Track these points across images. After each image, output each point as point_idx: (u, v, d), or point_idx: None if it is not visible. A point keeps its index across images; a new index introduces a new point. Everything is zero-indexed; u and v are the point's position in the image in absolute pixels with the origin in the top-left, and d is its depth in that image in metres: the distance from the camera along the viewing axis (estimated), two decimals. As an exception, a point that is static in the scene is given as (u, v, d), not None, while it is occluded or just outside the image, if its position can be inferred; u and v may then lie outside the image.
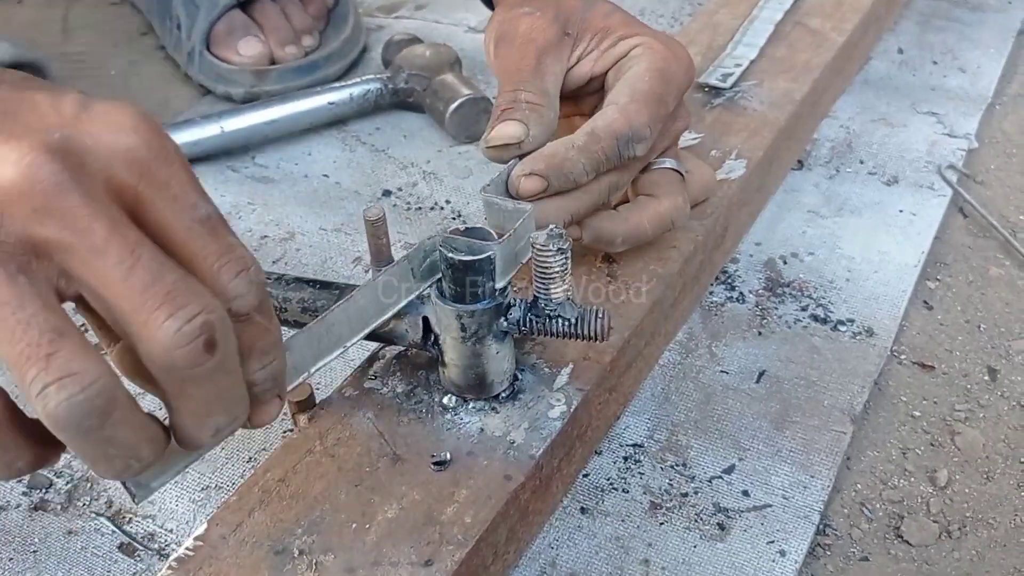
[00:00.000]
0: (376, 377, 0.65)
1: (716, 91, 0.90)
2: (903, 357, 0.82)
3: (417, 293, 0.58)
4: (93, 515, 0.72)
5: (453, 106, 1.02)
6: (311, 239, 0.93)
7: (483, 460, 0.59)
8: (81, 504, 0.72)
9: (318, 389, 0.79)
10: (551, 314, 0.58)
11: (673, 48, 0.72)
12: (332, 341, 0.55)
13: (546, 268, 0.56)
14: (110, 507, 0.72)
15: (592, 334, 0.59)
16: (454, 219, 0.96)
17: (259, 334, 0.44)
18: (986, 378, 0.80)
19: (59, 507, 0.72)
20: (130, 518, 0.72)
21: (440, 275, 0.58)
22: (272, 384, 0.46)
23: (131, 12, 1.30)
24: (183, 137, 1.00)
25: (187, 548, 0.55)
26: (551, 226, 0.56)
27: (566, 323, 0.58)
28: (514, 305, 0.59)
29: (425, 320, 0.60)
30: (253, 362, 0.45)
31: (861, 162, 1.00)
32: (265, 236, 0.93)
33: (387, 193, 0.99)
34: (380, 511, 0.57)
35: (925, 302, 0.87)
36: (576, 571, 0.67)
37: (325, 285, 0.64)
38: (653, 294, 0.71)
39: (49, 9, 1.32)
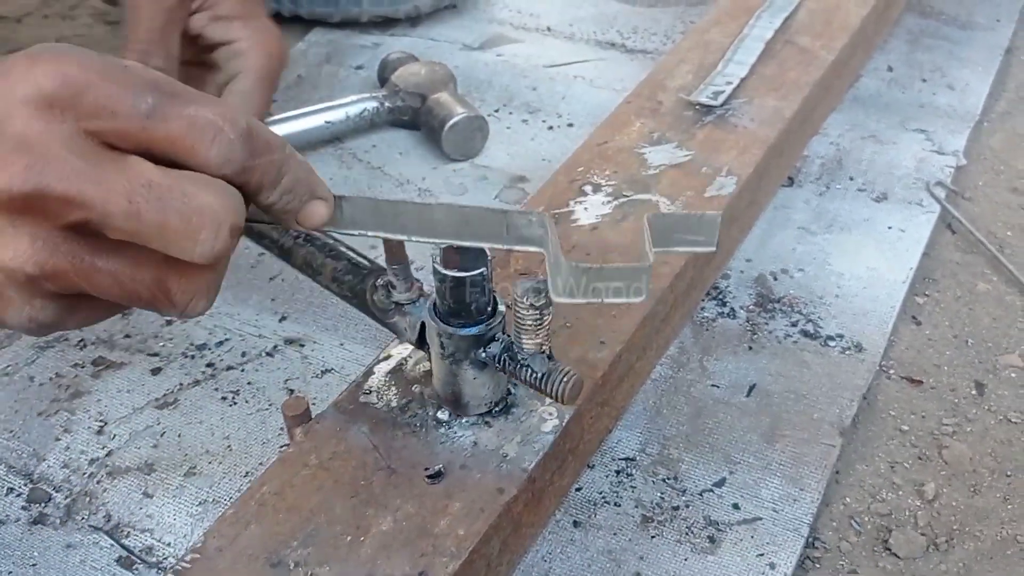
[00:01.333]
0: (371, 392, 0.66)
1: (707, 109, 0.91)
2: (892, 372, 0.83)
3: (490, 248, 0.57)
4: (91, 529, 0.73)
5: (448, 124, 1.03)
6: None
7: (476, 473, 0.60)
8: (80, 518, 0.73)
9: (314, 404, 0.80)
10: (522, 362, 0.58)
11: (275, 46, 0.80)
12: (396, 225, 0.55)
13: (520, 320, 0.56)
14: (108, 521, 0.73)
15: (554, 394, 0.57)
16: (449, 236, 0.97)
17: (263, 174, 0.47)
18: (973, 392, 0.81)
19: (58, 521, 0.73)
20: (128, 532, 0.72)
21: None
22: (293, 198, 0.50)
23: (130, 31, 1.31)
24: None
25: (183, 561, 0.56)
26: (538, 279, 0.56)
27: (533, 375, 0.58)
28: (496, 339, 0.60)
29: (422, 324, 0.61)
30: (265, 194, 0.48)
31: (851, 179, 1.02)
32: (262, 253, 0.94)
33: (383, 210, 1.00)
34: (374, 524, 0.57)
35: (914, 317, 0.88)
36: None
37: (361, 265, 0.64)
38: (644, 309, 0.72)
39: (46, 28, 1.33)
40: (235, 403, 0.81)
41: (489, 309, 0.59)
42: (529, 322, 0.56)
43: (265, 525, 0.58)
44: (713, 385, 0.80)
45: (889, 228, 0.95)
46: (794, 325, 0.85)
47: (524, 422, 0.63)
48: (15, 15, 1.35)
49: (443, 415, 0.63)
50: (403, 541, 0.56)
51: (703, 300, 0.87)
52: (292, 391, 0.82)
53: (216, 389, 0.82)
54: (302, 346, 0.86)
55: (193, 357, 0.85)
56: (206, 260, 0.45)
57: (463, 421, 0.63)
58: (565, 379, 0.57)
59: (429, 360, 0.63)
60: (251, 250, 0.95)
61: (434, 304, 0.60)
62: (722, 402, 0.78)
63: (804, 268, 0.91)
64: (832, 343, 0.83)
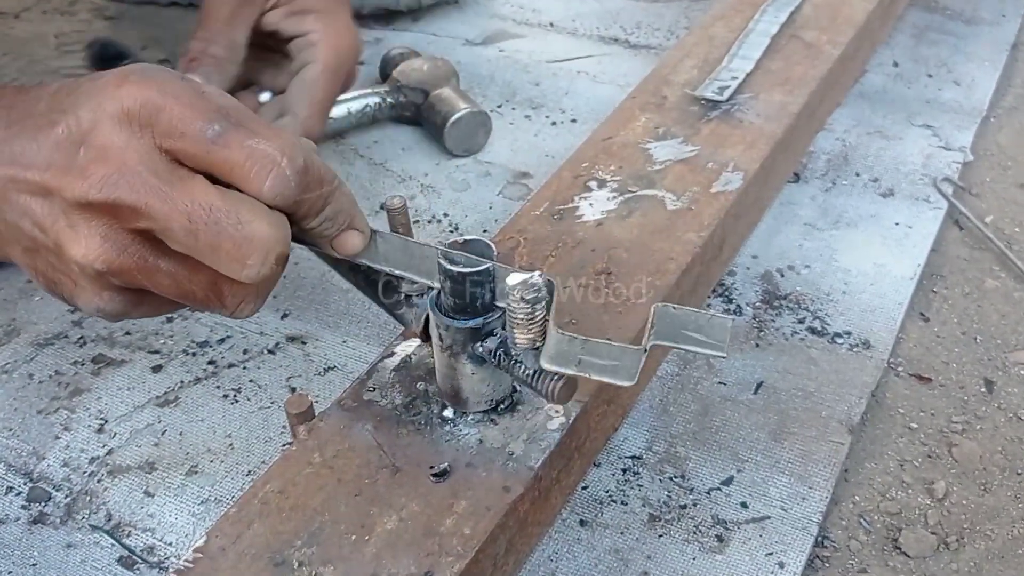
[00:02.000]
0: (375, 389, 0.65)
1: (712, 104, 0.90)
2: (900, 369, 0.82)
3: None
4: (92, 528, 0.72)
5: (451, 120, 1.02)
6: (309, 253, 0.93)
7: (482, 471, 0.59)
8: (80, 517, 0.72)
9: (317, 402, 0.79)
10: (516, 358, 0.58)
11: (346, 40, 0.84)
12: (422, 269, 0.59)
13: (512, 313, 0.56)
14: (109, 520, 0.72)
15: (545, 392, 0.56)
16: (451, 231, 0.96)
17: (311, 205, 0.53)
18: (983, 390, 0.80)
19: (58, 520, 0.72)
20: (129, 531, 0.71)
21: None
22: (332, 226, 0.56)
23: (128, 25, 1.30)
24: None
25: (186, 560, 0.55)
26: (534, 273, 0.55)
27: (526, 372, 0.57)
28: (494, 334, 0.59)
29: (427, 318, 0.60)
30: (307, 221, 0.54)
31: (857, 175, 1.01)
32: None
33: (385, 206, 0.99)
34: (379, 522, 0.57)
35: (922, 314, 0.87)
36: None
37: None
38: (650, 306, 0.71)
39: (45, 24, 1.32)
40: (237, 401, 0.80)
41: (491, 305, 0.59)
42: (520, 316, 0.55)
43: (268, 524, 0.57)
44: (720, 383, 0.79)
45: (896, 224, 0.94)
46: (801, 322, 0.84)
47: (530, 420, 0.62)
48: (13, 10, 1.35)
49: (448, 413, 0.62)
50: (408, 540, 0.56)
51: (709, 297, 0.87)
52: (295, 389, 0.81)
53: (218, 387, 0.81)
54: (304, 343, 0.85)
55: (194, 354, 0.84)
56: (252, 282, 0.51)
57: (468, 419, 0.62)
58: (556, 378, 0.56)
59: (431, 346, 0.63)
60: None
61: (438, 296, 0.59)
62: (729, 400, 0.78)
63: (811, 264, 0.90)
64: (840, 340, 0.83)
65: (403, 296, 0.62)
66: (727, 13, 1.05)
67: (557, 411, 0.63)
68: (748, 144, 0.86)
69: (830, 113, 1.08)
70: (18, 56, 1.25)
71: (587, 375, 0.54)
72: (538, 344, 0.56)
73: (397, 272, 0.59)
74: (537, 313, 0.55)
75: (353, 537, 0.56)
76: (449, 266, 0.56)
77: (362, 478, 0.59)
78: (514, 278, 0.54)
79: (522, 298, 0.54)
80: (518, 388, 0.64)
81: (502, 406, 0.62)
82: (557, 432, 0.62)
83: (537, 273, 0.54)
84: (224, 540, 0.56)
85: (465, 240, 0.57)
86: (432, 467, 0.59)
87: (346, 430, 0.62)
